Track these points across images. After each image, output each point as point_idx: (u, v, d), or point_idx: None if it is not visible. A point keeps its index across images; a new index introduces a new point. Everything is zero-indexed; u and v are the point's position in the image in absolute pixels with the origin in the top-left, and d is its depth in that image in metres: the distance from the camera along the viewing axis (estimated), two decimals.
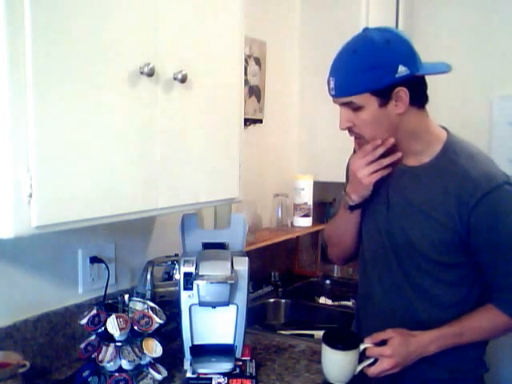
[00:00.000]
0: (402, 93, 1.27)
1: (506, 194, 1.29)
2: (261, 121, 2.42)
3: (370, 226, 1.48)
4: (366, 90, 1.26)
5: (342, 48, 1.32)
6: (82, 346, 1.38)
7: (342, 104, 1.32)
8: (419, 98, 1.32)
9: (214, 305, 1.47)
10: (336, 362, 1.35)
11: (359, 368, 1.33)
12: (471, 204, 1.28)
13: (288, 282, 2.45)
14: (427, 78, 1.33)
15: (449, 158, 1.34)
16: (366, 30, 1.32)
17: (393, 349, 1.29)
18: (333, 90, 1.31)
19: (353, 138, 1.40)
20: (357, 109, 1.29)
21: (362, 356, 1.33)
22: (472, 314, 1.36)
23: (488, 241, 1.31)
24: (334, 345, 1.33)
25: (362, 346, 1.32)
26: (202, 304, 1.45)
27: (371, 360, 1.32)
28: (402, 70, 1.25)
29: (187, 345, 1.50)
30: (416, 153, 1.36)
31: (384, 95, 1.27)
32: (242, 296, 1.49)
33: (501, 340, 1.50)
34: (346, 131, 1.36)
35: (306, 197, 2.51)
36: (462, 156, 1.33)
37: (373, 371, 1.31)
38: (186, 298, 1.47)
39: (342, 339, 1.35)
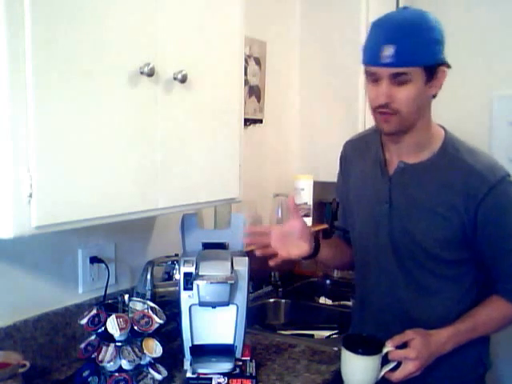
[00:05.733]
0: (444, 73, 1.28)
1: (508, 186, 1.31)
2: (261, 121, 2.42)
3: (366, 227, 1.47)
4: (422, 63, 1.24)
5: (395, 19, 1.28)
6: (82, 346, 1.38)
7: (391, 75, 1.25)
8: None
9: (214, 305, 1.47)
10: (359, 367, 1.29)
11: (382, 372, 1.29)
12: (479, 197, 1.28)
13: (288, 282, 2.45)
14: None
15: (450, 153, 1.34)
16: (407, 8, 1.32)
17: (417, 351, 1.27)
18: (391, 58, 1.22)
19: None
20: (403, 83, 1.25)
21: (383, 360, 1.29)
22: (480, 307, 1.36)
23: (494, 232, 1.32)
24: (356, 350, 1.28)
25: (384, 350, 1.28)
26: (201, 304, 1.45)
27: (394, 364, 1.29)
28: (444, 51, 1.27)
29: (187, 345, 1.50)
30: (418, 147, 1.36)
31: (431, 72, 1.26)
32: (241, 296, 1.49)
33: (501, 338, 1.50)
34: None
35: (306, 197, 2.51)
36: (463, 151, 1.34)
37: (398, 375, 1.27)
38: (186, 298, 1.47)
39: (363, 344, 1.30)
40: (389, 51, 1.23)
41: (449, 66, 1.29)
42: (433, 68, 1.26)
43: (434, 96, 1.34)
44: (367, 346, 1.30)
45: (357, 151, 1.52)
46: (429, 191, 1.34)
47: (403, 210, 1.38)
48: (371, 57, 1.26)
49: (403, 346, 1.29)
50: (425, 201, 1.35)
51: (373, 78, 1.28)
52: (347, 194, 1.55)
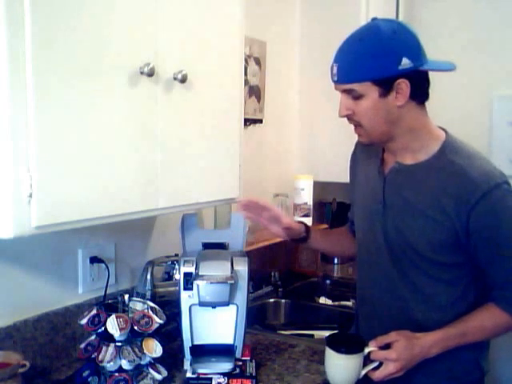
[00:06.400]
0: (404, 85, 1.27)
1: (504, 194, 1.29)
2: (261, 121, 2.42)
3: (364, 225, 1.48)
4: (368, 78, 1.26)
5: (349, 36, 1.32)
6: (82, 346, 1.38)
7: (343, 91, 1.31)
8: (420, 93, 1.32)
9: (213, 305, 1.47)
10: (340, 366, 1.32)
11: (364, 372, 1.31)
12: (471, 203, 1.27)
13: (288, 282, 2.45)
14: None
15: (447, 157, 1.33)
16: (374, 19, 1.32)
17: (398, 352, 1.28)
18: (335, 76, 1.31)
19: (351, 128, 1.40)
20: (357, 97, 1.29)
21: (366, 359, 1.31)
22: (473, 313, 1.35)
23: (488, 240, 1.31)
24: (339, 349, 1.31)
25: (366, 350, 1.30)
26: (202, 304, 1.45)
27: (376, 364, 1.30)
28: (406, 62, 1.25)
29: (187, 345, 1.50)
30: (413, 151, 1.36)
31: (385, 85, 1.27)
32: (241, 296, 1.49)
33: (500, 341, 1.49)
34: (346, 119, 1.36)
35: (306, 197, 2.51)
36: (461, 156, 1.33)
37: (378, 375, 1.29)
38: (186, 298, 1.47)
39: (346, 343, 1.33)
40: (334, 69, 1.31)
41: (411, 79, 1.27)
42: (386, 81, 1.26)
43: (423, 101, 1.34)
44: (351, 345, 1.32)
45: (365, 150, 1.53)
46: (422, 193, 1.34)
47: (396, 210, 1.38)
48: (330, 74, 1.34)
49: (387, 346, 1.30)
50: (417, 202, 1.34)
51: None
52: (354, 191, 1.57)
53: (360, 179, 1.53)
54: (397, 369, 1.28)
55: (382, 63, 1.25)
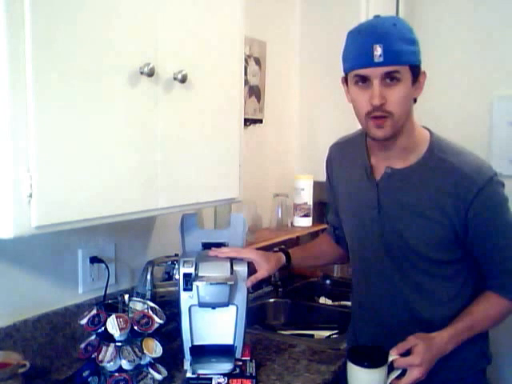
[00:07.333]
0: (424, 76, 1.30)
1: (495, 187, 1.32)
2: (261, 121, 2.42)
3: (358, 232, 1.47)
4: (409, 61, 1.25)
5: (369, 23, 1.29)
6: (82, 346, 1.38)
7: (383, 75, 1.24)
8: None
9: (213, 306, 1.47)
10: (366, 380, 1.29)
11: (389, 380, 1.29)
12: (468, 200, 1.29)
13: (288, 282, 2.44)
14: (428, 78, 1.34)
15: (437, 156, 1.34)
16: (376, 16, 1.31)
17: (420, 356, 1.27)
18: (381, 57, 1.22)
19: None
20: (394, 83, 1.24)
21: (389, 368, 1.29)
22: (475, 304, 1.37)
23: (486, 232, 1.33)
24: (362, 363, 1.28)
25: (389, 359, 1.28)
26: (201, 305, 1.45)
27: (399, 371, 1.29)
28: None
29: (187, 345, 1.49)
30: (405, 150, 1.36)
31: (416, 73, 1.28)
32: (241, 296, 1.49)
33: (499, 331, 1.51)
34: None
35: (306, 197, 2.51)
36: (450, 153, 1.34)
37: (404, 382, 1.28)
38: (186, 299, 1.47)
39: (366, 354, 1.30)
40: (378, 50, 1.22)
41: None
42: (417, 69, 1.28)
43: (415, 100, 1.34)
44: (371, 356, 1.29)
45: (342, 155, 1.53)
46: (418, 195, 1.35)
47: (393, 214, 1.38)
48: (361, 59, 1.25)
49: (407, 351, 1.29)
50: (414, 205, 1.35)
51: (362, 82, 1.26)
52: (335, 197, 1.57)
53: (343, 186, 1.52)
54: (421, 373, 1.28)
55: (415, 50, 1.27)
